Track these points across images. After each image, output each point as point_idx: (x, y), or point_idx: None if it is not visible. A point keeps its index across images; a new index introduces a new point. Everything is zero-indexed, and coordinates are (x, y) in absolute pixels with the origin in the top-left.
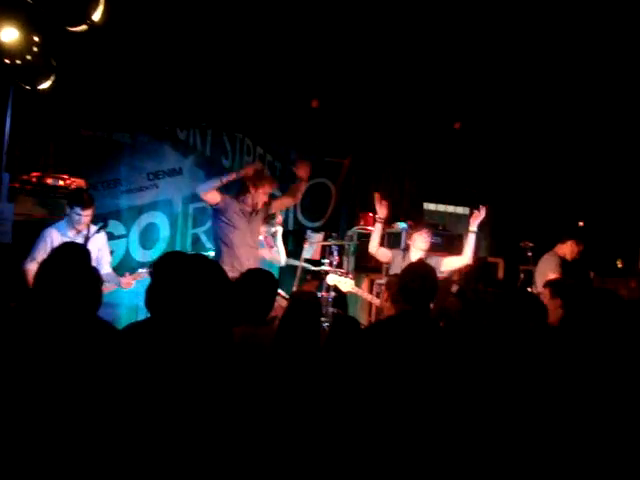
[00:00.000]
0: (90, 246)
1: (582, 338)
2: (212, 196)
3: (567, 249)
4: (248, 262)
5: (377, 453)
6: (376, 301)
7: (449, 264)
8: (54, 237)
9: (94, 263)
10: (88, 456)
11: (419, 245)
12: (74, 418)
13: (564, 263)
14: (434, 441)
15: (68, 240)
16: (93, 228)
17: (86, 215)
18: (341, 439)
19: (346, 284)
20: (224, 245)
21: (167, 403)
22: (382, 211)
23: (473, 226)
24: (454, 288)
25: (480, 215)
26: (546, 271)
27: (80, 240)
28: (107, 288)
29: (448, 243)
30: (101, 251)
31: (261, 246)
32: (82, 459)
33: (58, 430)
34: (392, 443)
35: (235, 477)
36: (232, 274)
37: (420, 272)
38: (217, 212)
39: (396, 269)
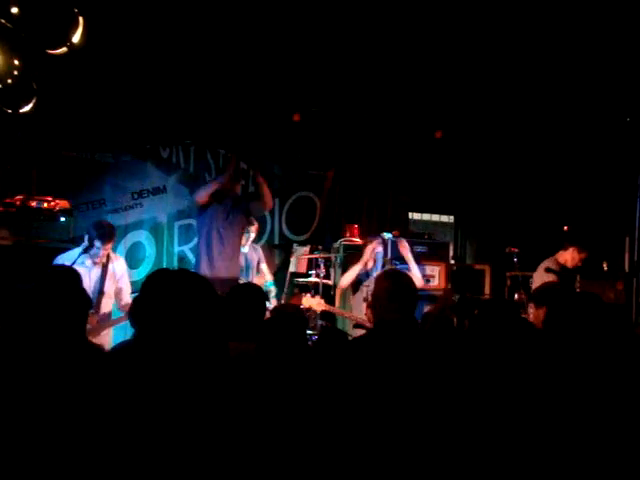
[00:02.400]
0: (109, 275)
1: (563, 340)
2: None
3: (568, 256)
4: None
5: (368, 462)
6: (349, 315)
7: None
8: None
9: (115, 292)
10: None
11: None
12: (64, 444)
13: (563, 270)
14: (430, 445)
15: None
16: (112, 256)
17: (105, 249)
18: (332, 452)
19: (319, 304)
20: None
21: (164, 423)
22: (370, 262)
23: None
24: (454, 299)
25: (404, 246)
26: (538, 278)
27: (98, 269)
28: (123, 319)
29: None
30: (122, 279)
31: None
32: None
33: (45, 457)
34: (388, 450)
35: None
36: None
37: (399, 280)
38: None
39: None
